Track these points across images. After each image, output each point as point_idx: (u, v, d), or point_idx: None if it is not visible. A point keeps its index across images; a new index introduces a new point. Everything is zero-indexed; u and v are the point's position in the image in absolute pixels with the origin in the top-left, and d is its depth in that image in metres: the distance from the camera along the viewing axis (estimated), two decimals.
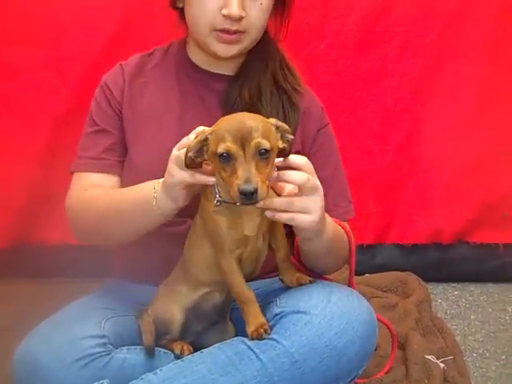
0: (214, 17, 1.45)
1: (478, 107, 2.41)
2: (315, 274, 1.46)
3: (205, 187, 1.31)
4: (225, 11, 1.43)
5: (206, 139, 1.22)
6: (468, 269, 2.44)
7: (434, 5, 2.37)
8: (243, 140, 1.17)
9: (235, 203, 1.23)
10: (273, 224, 1.34)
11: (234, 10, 1.42)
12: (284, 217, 1.25)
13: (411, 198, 2.44)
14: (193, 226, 1.38)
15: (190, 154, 1.23)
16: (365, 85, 2.39)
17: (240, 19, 1.44)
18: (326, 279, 1.47)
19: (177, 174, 1.28)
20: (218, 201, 1.27)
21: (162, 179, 1.35)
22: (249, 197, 1.15)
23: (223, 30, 1.45)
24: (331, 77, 2.35)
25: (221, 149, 1.17)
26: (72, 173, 1.58)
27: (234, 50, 1.49)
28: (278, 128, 1.24)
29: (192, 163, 1.24)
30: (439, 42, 2.38)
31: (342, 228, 1.45)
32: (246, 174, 1.15)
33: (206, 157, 1.23)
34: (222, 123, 1.23)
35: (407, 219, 2.45)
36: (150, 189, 1.36)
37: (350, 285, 1.48)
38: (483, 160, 2.42)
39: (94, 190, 1.51)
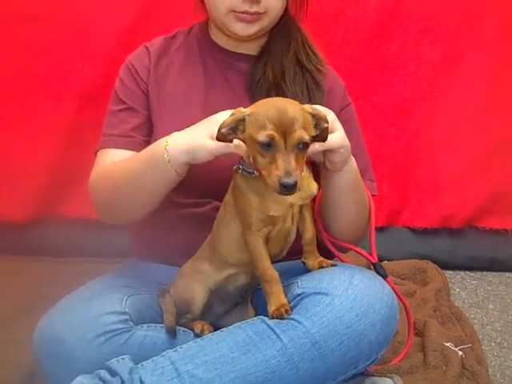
0: (231, 0, 1.44)
1: (491, 97, 2.43)
2: (339, 247, 1.49)
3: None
4: None
5: (243, 119, 1.22)
6: (478, 254, 2.46)
7: None
8: (285, 130, 1.18)
9: (253, 174, 1.26)
10: (302, 206, 1.34)
11: None
12: (316, 145, 1.28)
13: (423, 183, 2.48)
14: (223, 205, 1.38)
15: (223, 130, 1.23)
16: (381, 71, 2.41)
17: (259, 1, 1.44)
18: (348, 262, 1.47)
19: (209, 141, 1.28)
20: (238, 167, 1.28)
21: (174, 133, 1.35)
22: (289, 189, 1.16)
23: (243, 12, 1.45)
24: (349, 63, 2.37)
25: (262, 136, 1.18)
26: (95, 152, 1.57)
27: (252, 28, 1.48)
28: (313, 116, 1.24)
29: (223, 138, 1.25)
30: (457, 32, 2.39)
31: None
32: (287, 166, 1.17)
33: (240, 135, 1.24)
34: (260, 107, 1.23)
35: (418, 203, 2.48)
36: (162, 143, 1.35)
37: (371, 248, 1.48)
38: (494, 148, 2.45)
39: (112, 163, 1.50)
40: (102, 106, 1.64)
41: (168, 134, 1.40)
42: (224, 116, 1.26)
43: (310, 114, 1.23)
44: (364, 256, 1.47)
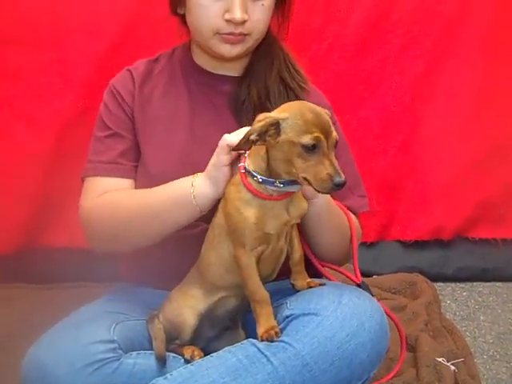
0: (216, 22, 1.45)
1: (475, 108, 2.46)
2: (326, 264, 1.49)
3: (235, 178, 1.31)
4: (227, 16, 1.43)
5: (275, 124, 1.22)
6: (468, 265, 2.47)
7: (433, 7, 2.41)
8: (326, 131, 1.21)
9: (275, 184, 1.26)
10: (290, 227, 1.34)
11: (237, 14, 1.42)
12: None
13: (412, 196, 2.50)
14: (211, 227, 1.37)
15: (252, 137, 1.23)
16: (366, 86, 2.44)
17: (243, 23, 1.44)
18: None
19: (222, 156, 1.31)
20: (259, 181, 1.27)
21: (197, 174, 1.37)
22: (341, 187, 1.20)
23: (228, 34, 1.45)
24: (333, 78, 2.39)
25: (309, 139, 1.19)
26: (83, 178, 1.55)
27: (237, 49, 1.49)
28: (330, 118, 1.27)
29: (245, 145, 1.25)
30: (438, 44, 2.43)
31: (340, 207, 1.48)
32: (335, 165, 1.20)
33: (270, 141, 1.23)
34: (295, 111, 1.23)
35: (408, 216, 2.50)
36: (188, 182, 1.37)
37: (355, 269, 1.48)
38: (480, 159, 2.47)
39: (113, 193, 1.49)
40: (83, 132, 1.64)
41: (154, 158, 1.42)
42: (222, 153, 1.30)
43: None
44: (348, 277, 1.47)
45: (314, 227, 1.44)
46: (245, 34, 1.46)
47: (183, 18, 1.54)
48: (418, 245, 2.49)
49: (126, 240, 1.47)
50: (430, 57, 2.43)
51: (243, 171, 1.29)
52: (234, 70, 1.57)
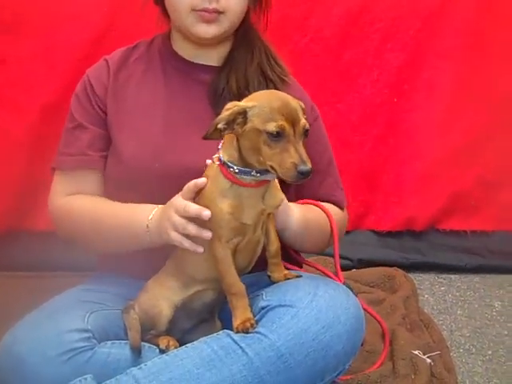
0: None
1: (452, 102, 2.49)
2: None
3: (209, 170, 1.31)
4: None
5: (242, 112, 1.22)
6: (440, 255, 2.51)
7: (413, 2, 2.44)
8: (293, 120, 1.20)
9: (252, 173, 1.25)
10: (266, 217, 1.33)
11: None
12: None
13: (387, 187, 2.53)
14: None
15: (219, 125, 1.23)
16: (345, 78, 2.46)
17: None
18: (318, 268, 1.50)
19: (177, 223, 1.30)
20: (235, 171, 1.26)
21: (156, 209, 1.38)
22: (306, 176, 1.18)
23: (202, 10, 1.45)
24: (313, 70, 2.40)
25: (273, 127, 1.19)
26: (53, 169, 1.58)
27: (213, 29, 1.48)
28: (301, 107, 1.26)
29: (214, 135, 1.24)
30: (417, 39, 2.45)
31: (318, 206, 1.49)
32: (301, 154, 1.19)
33: (237, 129, 1.23)
34: (263, 99, 1.23)
35: (383, 207, 2.54)
36: (144, 219, 1.38)
37: (336, 270, 1.50)
38: (456, 152, 2.51)
39: (79, 199, 1.52)
40: (65, 118, 1.61)
41: (128, 146, 1.46)
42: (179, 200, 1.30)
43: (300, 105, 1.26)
44: (330, 277, 1.48)
45: (295, 244, 1.48)
46: (219, 12, 1.46)
47: (163, 4, 1.54)
48: (392, 235, 2.53)
49: (86, 246, 1.56)
50: (409, 50, 2.45)
51: (218, 162, 1.28)
52: (213, 60, 1.56)
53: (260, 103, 1.22)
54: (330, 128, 1.54)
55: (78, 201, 1.53)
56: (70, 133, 1.56)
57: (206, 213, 1.26)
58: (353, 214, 2.46)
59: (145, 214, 1.39)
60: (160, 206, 1.39)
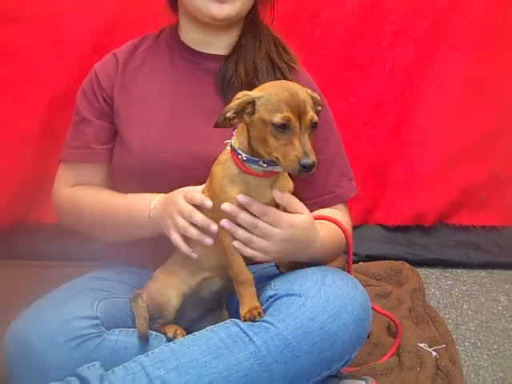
0: None
1: (465, 96, 2.46)
2: None
3: (222, 154, 1.31)
4: None
5: (251, 102, 1.22)
6: (449, 251, 2.49)
7: None
8: (300, 112, 1.20)
9: (259, 163, 1.25)
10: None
11: None
12: (243, 235, 1.28)
13: (396, 182, 2.50)
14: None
15: (228, 114, 1.23)
16: (357, 72, 2.43)
17: None
18: None
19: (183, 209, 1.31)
20: (243, 159, 1.26)
21: (157, 198, 1.40)
22: (309, 169, 1.17)
23: None
24: (324, 62, 2.38)
25: (279, 118, 1.19)
26: (59, 161, 1.60)
27: (226, 9, 1.48)
28: (312, 99, 1.25)
29: (224, 123, 1.25)
30: (430, 33, 2.42)
31: (335, 223, 1.45)
32: (305, 147, 1.18)
33: (246, 118, 1.23)
34: (271, 90, 1.23)
35: (392, 201, 2.51)
36: (146, 209, 1.40)
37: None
38: (465, 147, 2.48)
39: (82, 190, 1.55)
40: (73, 109, 1.62)
41: (136, 137, 1.48)
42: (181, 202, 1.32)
43: (310, 96, 1.25)
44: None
45: (311, 262, 1.43)
46: None
47: None
48: (400, 229, 2.50)
49: (90, 235, 1.58)
50: (422, 44, 2.42)
51: (230, 148, 1.29)
52: (221, 48, 1.56)
53: (268, 93, 1.22)
54: (341, 121, 1.51)
55: (81, 191, 1.55)
56: (76, 126, 1.58)
57: (208, 203, 1.28)
58: (361, 207, 2.48)
59: (146, 205, 1.41)
60: (161, 194, 1.40)
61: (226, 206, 1.26)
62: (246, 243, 1.28)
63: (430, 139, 2.48)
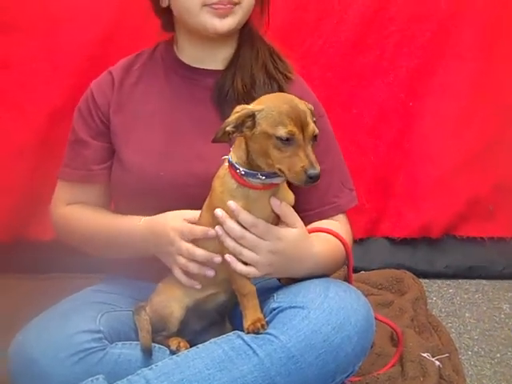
0: None
1: (469, 105, 2.45)
2: None
3: (220, 170, 1.31)
4: None
5: (251, 115, 1.22)
6: (455, 263, 2.47)
7: (428, 5, 2.40)
8: (302, 124, 1.20)
9: (258, 176, 1.25)
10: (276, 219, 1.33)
11: None
12: (231, 244, 1.28)
13: (401, 193, 2.48)
14: (198, 222, 1.35)
15: (228, 128, 1.23)
16: (359, 81, 2.42)
17: None
18: None
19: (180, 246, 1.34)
20: (242, 173, 1.26)
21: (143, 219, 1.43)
22: (315, 179, 1.18)
23: (217, 3, 1.45)
24: (326, 73, 2.37)
25: (283, 132, 1.20)
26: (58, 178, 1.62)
27: (228, 22, 1.47)
28: (310, 110, 1.26)
29: (223, 138, 1.25)
30: (433, 42, 2.41)
31: (334, 236, 1.45)
32: (310, 158, 1.19)
33: (246, 132, 1.24)
34: (270, 103, 1.23)
35: (397, 213, 2.48)
36: (135, 222, 1.44)
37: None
38: (472, 157, 2.46)
39: (79, 209, 1.56)
40: (71, 122, 1.62)
41: (133, 155, 1.50)
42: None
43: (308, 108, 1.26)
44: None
45: (307, 275, 1.41)
46: (235, 3, 1.46)
47: (165, 15, 1.55)
48: (407, 242, 2.47)
49: (85, 252, 1.58)
50: (424, 54, 2.41)
51: (228, 163, 1.29)
52: (217, 63, 1.56)
53: (268, 106, 1.23)
54: (343, 131, 1.50)
55: (77, 210, 1.56)
56: (71, 146, 1.59)
57: (212, 232, 1.29)
58: (366, 220, 2.46)
59: (135, 221, 1.44)
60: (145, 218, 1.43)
61: (218, 211, 1.27)
62: (235, 254, 1.28)
63: (434, 149, 2.46)
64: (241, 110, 1.24)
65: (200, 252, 1.31)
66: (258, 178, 1.26)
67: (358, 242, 2.44)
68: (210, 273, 1.32)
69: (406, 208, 2.47)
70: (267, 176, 1.26)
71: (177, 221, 1.36)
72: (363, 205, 2.40)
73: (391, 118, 2.44)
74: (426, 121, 2.46)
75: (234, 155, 1.28)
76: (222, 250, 1.30)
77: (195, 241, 1.33)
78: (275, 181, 1.27)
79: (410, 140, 2.46)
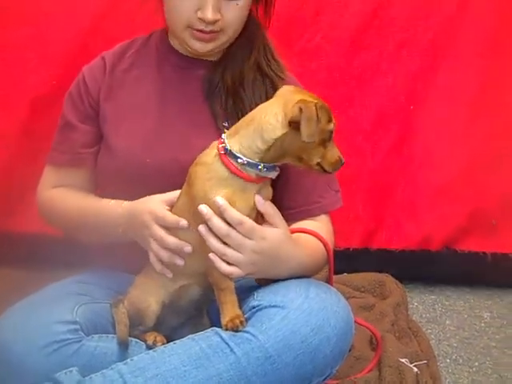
0: (189, 17, 1.43)
1: (472, 110, 2.36)
2: None
3: (203, 157, 1.29)
4: (200, 14, 1.41)
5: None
6: (457, 277, 2.40)
7: (430, 5, 2.33)
8: None
9: (259, 167, 1.25)
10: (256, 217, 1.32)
11: (209, 14, 1.40)
12: (214, 244, 1.27)
13: (400, 202, 2.38)
14: (174, 213, 1.33)
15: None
16: (358, 82, 2.34)
17: (215, 22, 1.43)
18: None
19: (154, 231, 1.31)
20: (243, 163, 1.24)
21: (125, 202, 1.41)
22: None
23: (199, 30, 1.44)
24: (324, 72, 2.31)
25: (332, 126, 1.26)
26: (46, 163, 1.61)
27: (210, 46, 1.47)
28: None
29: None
30: (434, 43, 2.34)
31: (316, 237, 1.43)
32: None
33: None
34: (310, 98, 1.24)
35: (395, 223, 2.39)
36: (118, 219, 1.42)
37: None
38: (474, 166, 2.36)
39: (63, 191, 1.56)
40: (56, 111, 1.61)
41: (121, 143, 1.49)
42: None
43: None
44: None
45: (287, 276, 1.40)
46: (217, 31, 1.45)
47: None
48: (404, 253, 2.37)
49: (70, 236, 1.59)
50: (426, 55, 2.33)
51: (223, 152, 1.26)
52: (212, 54, 1.54)
53: (315, 101, 1.23)
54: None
55: (62, 192, 1.56)
56: (61, 130, 1.59)
57: (183, 223, 1.28)
58: (363, 229, 2.37)
59: (118, 203, 1.44)
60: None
61: (202, 208, 1.25)
62: (218, 254, 1.27)
63: (435, 156, 2.35)
64: (304, 104, 1.21)
65: (171, 240, 1.29)
66: (259, 169, 1.25)
67: (353, 251, 2.36)
68: (180, 262, 1.30)
69: (405, 218, 2.37)
70: (268, 168, 1.25)
71: (154, 203, 1.34)
72: (359, 214, 2.34)
73: (390, 122, 2.35)
74: (428, 126, 2.35)
75: (235, 143, 1.26)
76: (196, 240, 1.29)
77: (169, 227, 1.32)
78: (270, 175, 1.27)
79: (410, 146, 2.36)
